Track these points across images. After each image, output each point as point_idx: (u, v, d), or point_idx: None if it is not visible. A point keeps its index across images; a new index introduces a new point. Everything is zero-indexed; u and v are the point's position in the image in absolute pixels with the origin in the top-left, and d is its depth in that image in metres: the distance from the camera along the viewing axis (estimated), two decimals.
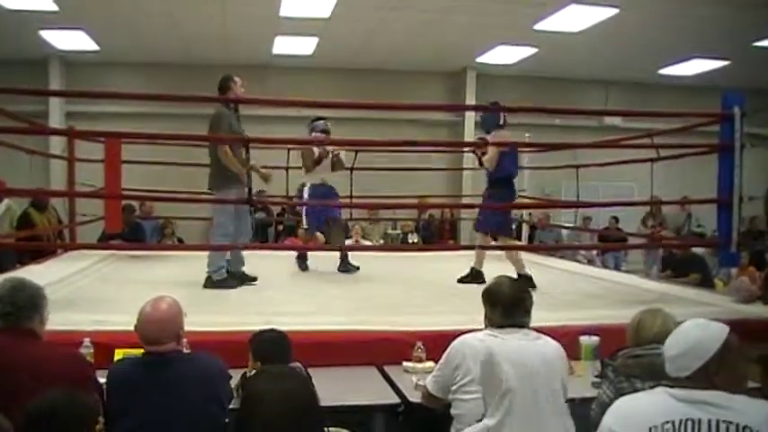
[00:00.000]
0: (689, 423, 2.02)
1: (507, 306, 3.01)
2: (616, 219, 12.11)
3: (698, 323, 2.22)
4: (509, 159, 6.39)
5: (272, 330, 3.31)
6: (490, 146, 6.24)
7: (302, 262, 7.21)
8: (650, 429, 2.05)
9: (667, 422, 2.04)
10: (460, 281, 6.37)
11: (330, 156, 6.88)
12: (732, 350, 2.13)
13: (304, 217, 7.18)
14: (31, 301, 2.77)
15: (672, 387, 2.14)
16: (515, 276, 5.90)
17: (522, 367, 2.77)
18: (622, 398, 2.29)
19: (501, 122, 6.39)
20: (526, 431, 2.73)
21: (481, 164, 6.38)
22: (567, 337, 3.72)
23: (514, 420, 2.72)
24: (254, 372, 3.07)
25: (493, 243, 6.55)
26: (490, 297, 3.08)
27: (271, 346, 3.20)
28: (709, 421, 2.01)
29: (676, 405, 2.07)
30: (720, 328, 2.18)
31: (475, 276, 6.30)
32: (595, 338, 4.05)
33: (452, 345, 3.16)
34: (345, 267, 6.98)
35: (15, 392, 2.38)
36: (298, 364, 3.19)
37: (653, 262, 11.02)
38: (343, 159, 7.05)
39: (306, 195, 7.05)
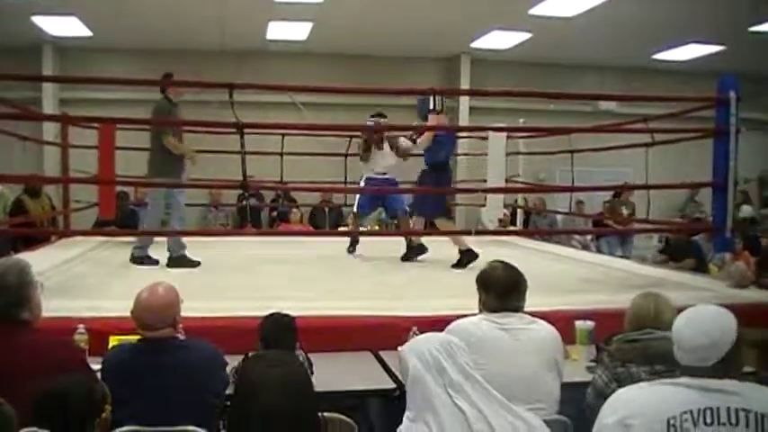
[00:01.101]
0: (707, 412, 1.98)
1: (501, 290, 3.01)
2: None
3: (709, 310, 2.19)
4: (446, 143, 6.64)
5: (279, 314, 3.31)
6: (426, 130, 6.51)
7: (352, 246, 7.27)
8: (668, 420, 2.00)
9: (686, 412, 2.00)
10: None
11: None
12: (741, 339, 2.12)
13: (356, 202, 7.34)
14: (17, 292, 2.72)
15: (680, 376, 2.11)
16: (458, 253, 6.38)
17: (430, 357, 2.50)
18: (628, 389, 2.20)
19: (433, 107, 6.50)
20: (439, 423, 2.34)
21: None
22: (562, 322, 3.72)
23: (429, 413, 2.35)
24: (251, 356, 3.07)
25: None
26: (484, 281, 3.08)
27: (275, 331, 3.20)
28: (728, 409, 1.98)
29: (693, 394, 2.03)
30: (732, 318, 2.15)
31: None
32: (590, 323, 4.06)
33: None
34: (409, 256, 6.92)
35: (12, 384, 2.37)
36: (300, 351, 3.20)
37: (628, 247, 11.14)
38: (403, 145, 6.94)
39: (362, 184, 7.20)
